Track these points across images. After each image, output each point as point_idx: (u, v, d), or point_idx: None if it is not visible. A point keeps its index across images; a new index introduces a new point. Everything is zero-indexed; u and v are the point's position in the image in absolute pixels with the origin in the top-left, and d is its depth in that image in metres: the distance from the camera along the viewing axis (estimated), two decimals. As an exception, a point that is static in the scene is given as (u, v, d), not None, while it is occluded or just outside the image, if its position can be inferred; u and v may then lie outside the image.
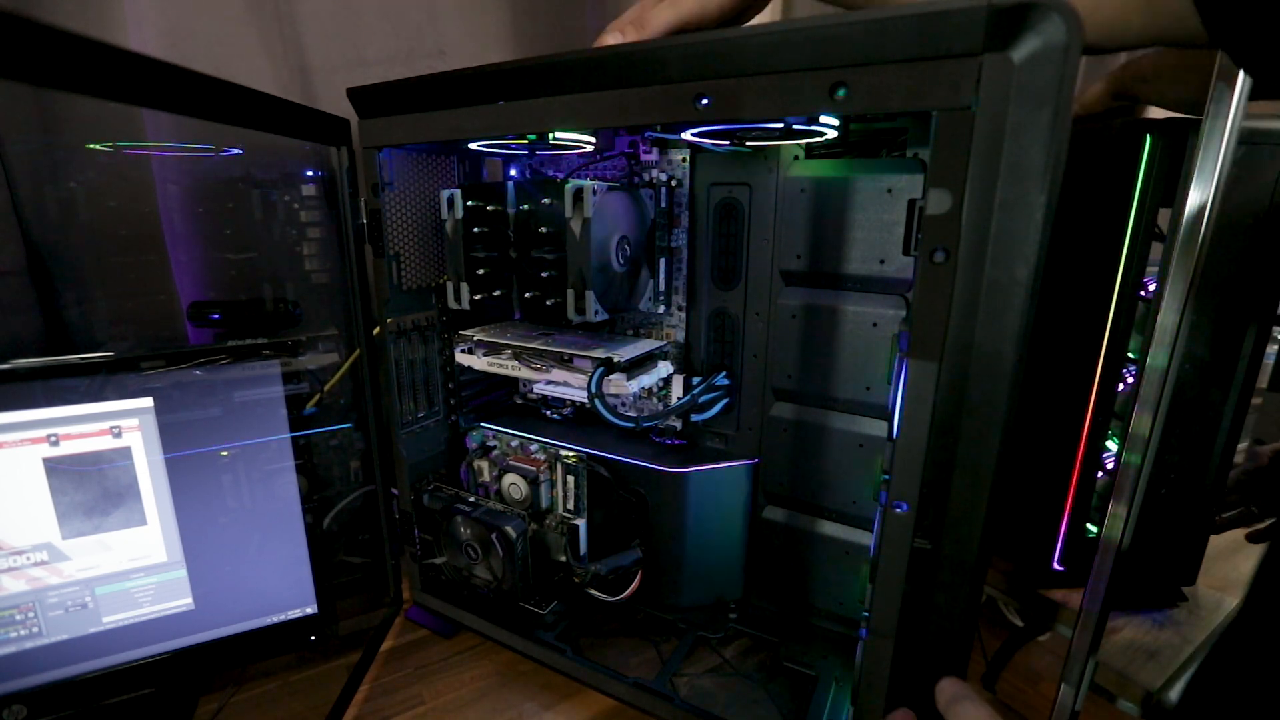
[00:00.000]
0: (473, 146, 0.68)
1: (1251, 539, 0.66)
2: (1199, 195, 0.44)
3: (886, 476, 0.41)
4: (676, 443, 0.71)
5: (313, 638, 0.66)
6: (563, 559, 0.70)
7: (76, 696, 0.56)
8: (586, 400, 0.61)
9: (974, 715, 0.36)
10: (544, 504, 0.71)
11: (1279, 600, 0.35)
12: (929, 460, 0.39)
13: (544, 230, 0.60)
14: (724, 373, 0.67)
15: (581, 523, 0.70)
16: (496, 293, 0.64)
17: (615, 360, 0.61)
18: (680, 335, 0.70)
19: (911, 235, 0.54)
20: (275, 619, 0.64)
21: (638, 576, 0.69)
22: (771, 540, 0.68)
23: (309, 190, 0.77)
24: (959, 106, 0.34)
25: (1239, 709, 0.36)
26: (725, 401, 0.68)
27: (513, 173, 0.76)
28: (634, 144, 0.66)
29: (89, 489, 0.55)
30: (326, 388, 0.73)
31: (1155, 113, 0.62)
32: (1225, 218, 0.45)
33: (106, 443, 0.55)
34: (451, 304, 0.66)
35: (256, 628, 0.63)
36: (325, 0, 0.79)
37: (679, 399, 0.68)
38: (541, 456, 0.73)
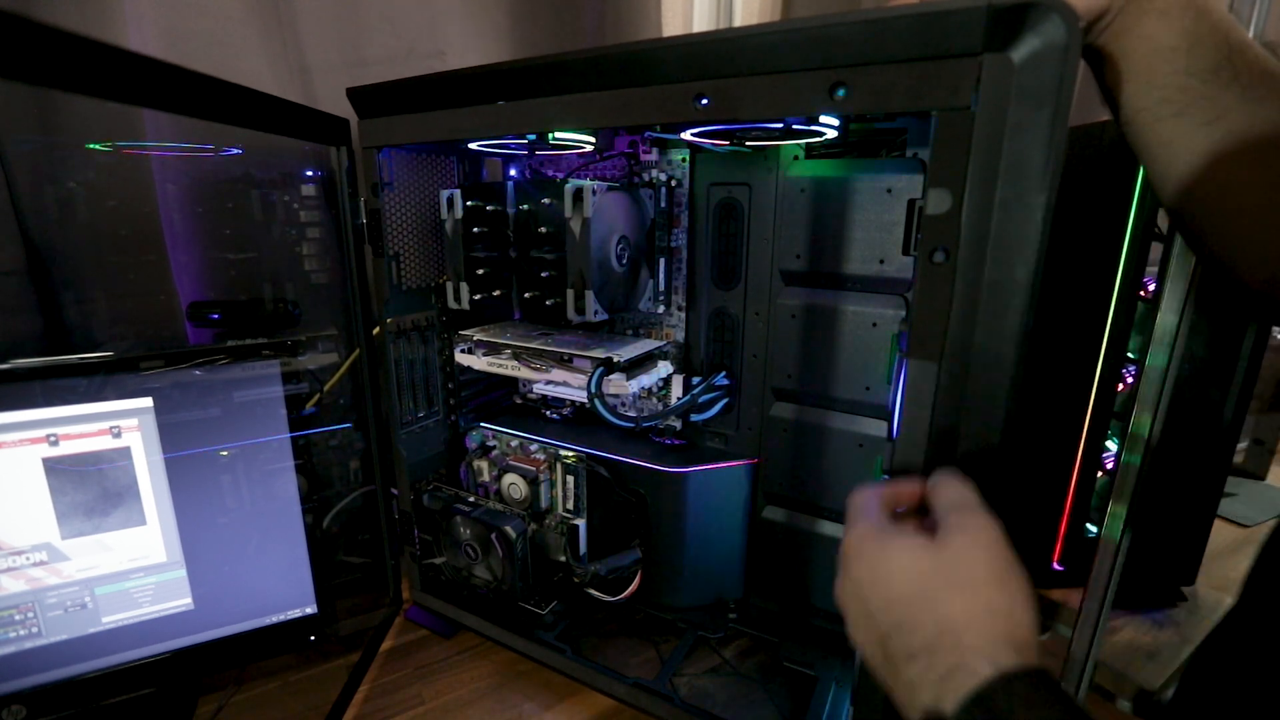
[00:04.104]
0: (473, 146, 0.68)
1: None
2: (1199, 195, 0.44)
3: (886, 476, 0.41)
4: (676, 443, 0.71)
5: (313, 638, 0.66)
6: (563, 559, 0.70)
7: (76, 696, 0.56)
8: (586, 400, 0.61)
9: (952, 486, 0.34)
10: (544, 504, 0.71)
11: (1272, 594, 0.35)
12: (929, 460, 0.39)
13: (544, 230, 0.60)
14: (724, 373, 0.67)
15: (581, 523, 0.70)
16: (496, 293, 0.64)
17: (615, 360, 0.61)
18: (680, 335, 0.70)
19: (911, 235, 0.54)
20: (275, 619, 0.64)
21: (637, 576, 0.69)
22: (771, 540, 0.68)
23: (309, 190, 0.77)
24: (959, 106, 0.34)
25: (1232, 703, 0.36)
26: (725, 401, 0.68)
27: (513, 173, 0.76)
28: (634, 144, 0.66)
29: (88, 489, 0.55)
30: (326, 388, 0.73)
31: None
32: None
33: (106, 443, 0.55)
34: (451, 304, 0.66)
35: (256, 628, 0.63)
36: (325, 0, 0.79)
37: (679, 399, 0.68)
38: (541, 456, 0.73)
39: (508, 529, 0.66)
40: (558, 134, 0.57)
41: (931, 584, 0.29)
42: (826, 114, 0.47)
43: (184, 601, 0.60)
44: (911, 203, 0.54)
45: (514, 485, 0.71)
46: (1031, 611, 0.29)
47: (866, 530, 0.33)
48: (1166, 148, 0.35)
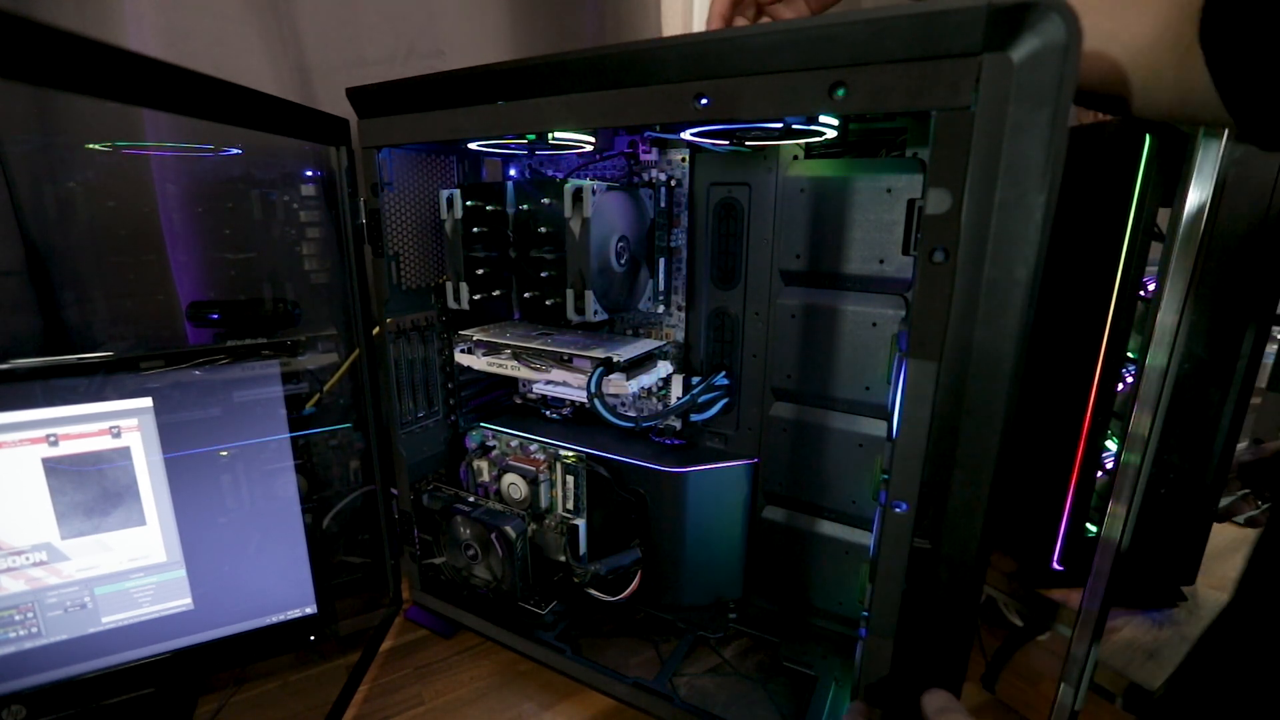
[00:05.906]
0: (472, 146, 0.68)
1: (1247, 523, 0.66)
2: (1199, 195, 0.44)
3: (886, 476, 0.41)
4: (676, 443, 0.71)
5: (312, 638, 0.66)
6: (562, 559, 0.70)
7: (76, 696, 0.56)
8: (586, 400, 0.61)
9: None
10: (544, 504, 0.71)
11: (1268, 592, 0.35)
12: (928, 460, 0.39)
13: (543, 230, 0.60)
14: (723, 372, 0.67)
15: (581, 523, 0.70)
16: (496, 293, 0.64)
17: (615, 360, 0.61)
18: (680, 335, 0.70)
19: (911, 235, 0.54)
20: (275, 619, 0.64)
21: (637, 576, 0.69)
22: (771, 540, 0.68)
23: (308, 190, 0.77)
24: (958, 106, 0.34)
25: (1225, 700, 0.36)
26: (725, 401, 0.68)
27: (512, 173, 0.76)
28: (634, 144, 0.66)
29: (88, 489, 0.55)
30: (326, 388, 0.73)
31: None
32: (1225, 218, 0.45)
33: (106, 443, 0.55)
34: (451, 304, 0.66)
35: (256, 628, 0.63)
36: (325, 0, 0.79)
37: (679, 399, 0.68)
38: (541, 456, 0.73)
39: (508, 529, 0.66)
40: (557, 134, 0.57)
41: None
42: (826, 114, 0.47)
43: (184, 601, 0.60)
44: (911, 203, 0.54)
45: (514, 485, 0.71)
46: None
47: None
48: None
